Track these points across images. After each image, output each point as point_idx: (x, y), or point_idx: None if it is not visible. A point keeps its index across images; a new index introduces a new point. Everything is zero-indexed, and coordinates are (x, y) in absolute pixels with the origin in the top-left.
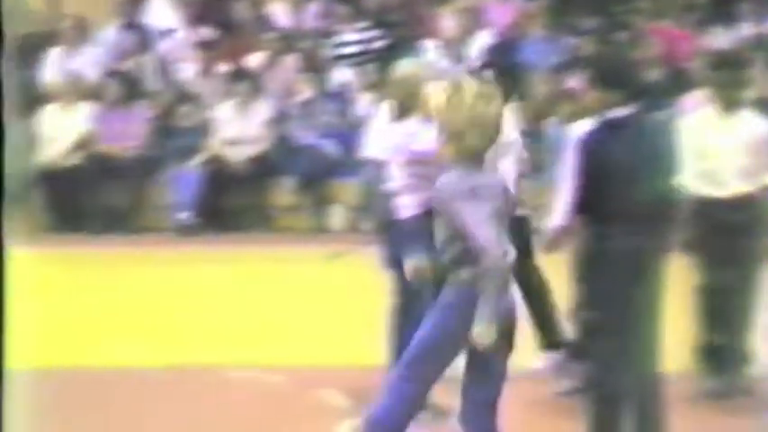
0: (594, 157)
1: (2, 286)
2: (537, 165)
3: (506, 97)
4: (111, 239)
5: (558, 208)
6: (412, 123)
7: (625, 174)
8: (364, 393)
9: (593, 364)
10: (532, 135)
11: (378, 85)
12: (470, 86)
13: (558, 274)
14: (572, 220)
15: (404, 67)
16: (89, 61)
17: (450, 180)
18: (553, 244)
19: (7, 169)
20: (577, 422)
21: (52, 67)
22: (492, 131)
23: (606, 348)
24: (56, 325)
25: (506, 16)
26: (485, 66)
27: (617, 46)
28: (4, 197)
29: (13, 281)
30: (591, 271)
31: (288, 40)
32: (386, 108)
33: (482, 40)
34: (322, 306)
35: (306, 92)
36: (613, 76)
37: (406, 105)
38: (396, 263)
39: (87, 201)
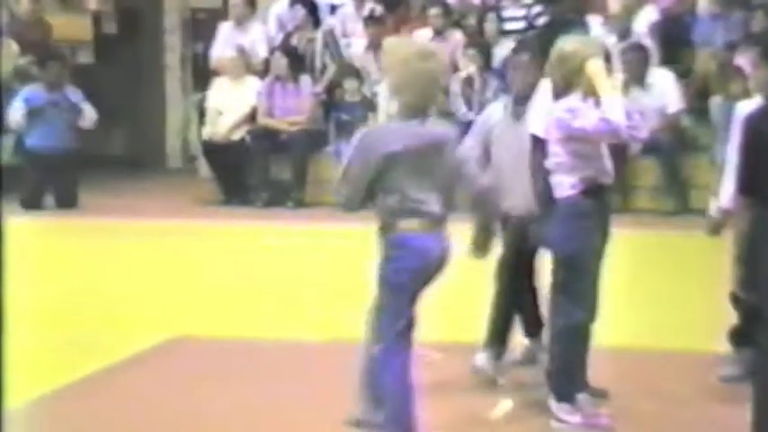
0: (760, 136)
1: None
2: (701, 143)
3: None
4: (277, 213)
5: (725, 189)
6: (573, 100)
7: None
8: (522, 373)
9: (758, 352)
10: (698, 112)
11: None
12: (408, 45)
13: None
14: (738, 200)
15: (566, 43)
16: (258, 36)
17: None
18: (718, 226)
19: (175, 142)
20: (743, 409)
21: (222, 42)
22: (429, 89)
23: None
24: (219, 296)
25: None
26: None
27: None
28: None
29: (180, 250)
30: (754, 254)
31: (454, 16)
32: (548, 84)
33: (647, 16)
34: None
35: (470, 67)
36: None
37: (569, 82)
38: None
39: (253, 174)
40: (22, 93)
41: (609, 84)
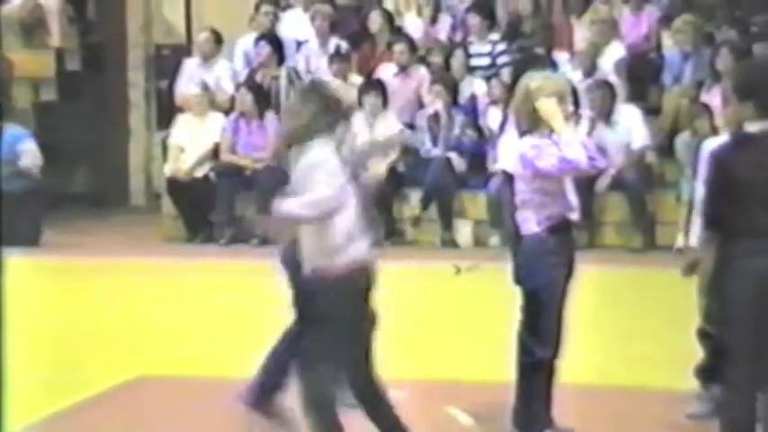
0: (726, 171)
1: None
2: (668, 180)
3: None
4: (241, 250)
5: (696, 227)
6: (538, 138)
7: (756, 190)
8: (489, 411)
9: (725, 387)
10: (665, 149)
11: (508, 98)
12: None
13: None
14: (704, 235)
15: (531, 80)
16: (224, 73)
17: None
18: (693, 265)
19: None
20: None
21: (187, 78)
22: None
23: (736, 371)
24: (182, 334)
25: (640, 28)
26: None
27: (756, 58)
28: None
29: (144, 288)
30: (719, 288)
31: (419, 52)
32: (514, 121)
33: (614, 53)
34: (448, 321)
35: (436, 104)
36: (751, 87)
37: (533, 119)
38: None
39: (218, 211)
40: None
41: (560, 121)
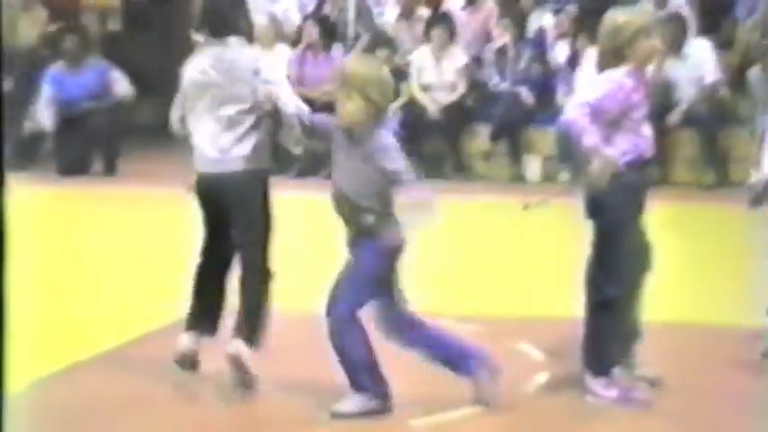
0: None
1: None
2: (741, 115)
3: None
4: (311, 182)
5: (767, 160)
6: (618, 73)
7: None
8: (559, 346)
9: None
10: (738, 84)
11: (576, 32)
12: None
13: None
14: None
15: (617, 14)
16: (291, 4)
17: None
18: (760, 198)
19: None
20: None
21: (254, 10)
22: None
23: None
24: None
25: None
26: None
27: None
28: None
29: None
30: None
31: None
32: (593, 55)
33: None
34: (517, 257)
35: (504, 37)
36: None
37: (616, 55)
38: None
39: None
40: (47, 79)
41: None
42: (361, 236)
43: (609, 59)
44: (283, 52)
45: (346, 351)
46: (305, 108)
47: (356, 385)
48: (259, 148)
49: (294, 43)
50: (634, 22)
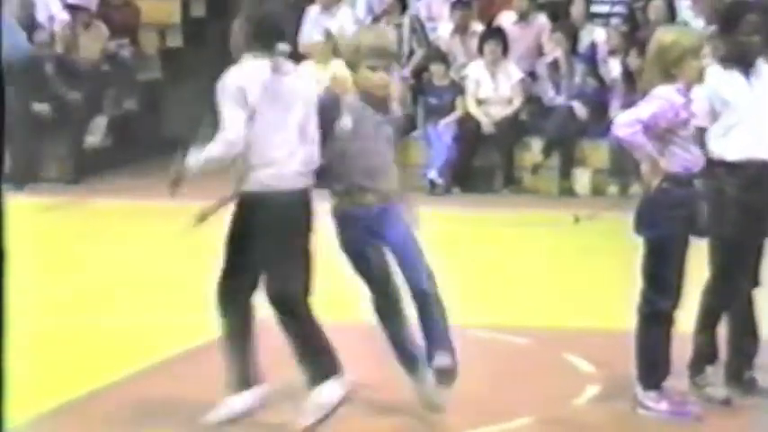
0: None
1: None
2: None
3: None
4: None
5: None
6: (668, 90)
7: None
8: (609, 358)
9: None
10: None
11: (627, 48)
12: None
13: None
14: None
15: (666, 33)
16: (346, 20)
17: None
18: None
19: None
20: None
21: (310, 26)
22: None
23: None
24: None
25: None
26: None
27: None
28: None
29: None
30: None
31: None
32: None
33: None
34: (566, 269)
35: (556, 51)
36: None
37: (665, 73)
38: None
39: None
40: None
41: None
42: (388, 201)
43: (657, 77)
44: (339, 68)
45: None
46: None
47: (442, 341)
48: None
49: None
50: (682, 43)
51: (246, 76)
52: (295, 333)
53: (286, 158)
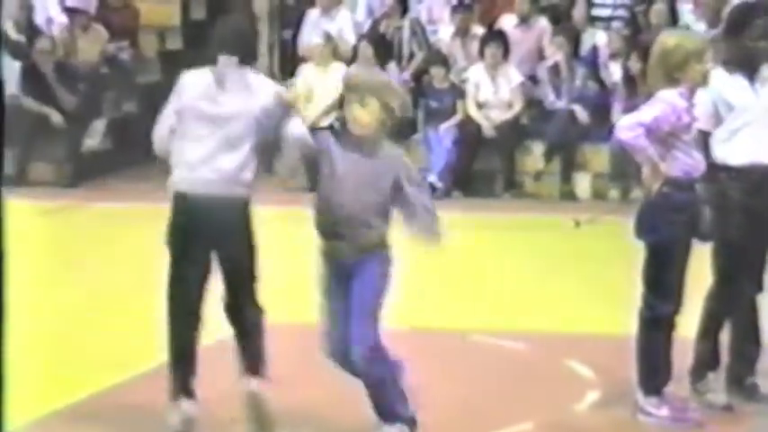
0: None
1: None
2: None
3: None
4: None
5: None
6: (671, 94)
7: None
8: (609, 364)
9: None
10: None
11: (628, 52)
12: None
13: None
14: None
15: (669, 37)
16: (346, 23)
17: None
18: None
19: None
20: None
21: (310, 29)
22: None
23: None
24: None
25: None
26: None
27: None
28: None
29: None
30: None
31: (541, 2)
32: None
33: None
34: (567, 274)
35: (557, 55)
36: None
37: (668, 77)
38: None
39: None
40: None
41: None
42: (363, 253)
43: (660, 80)
44: (338, 71)
45: (385, 382)
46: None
47: (392, 416)
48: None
49: (349, 62)
50: (686, 46)
51: (189, 79)
52: None
53: (198, 164)
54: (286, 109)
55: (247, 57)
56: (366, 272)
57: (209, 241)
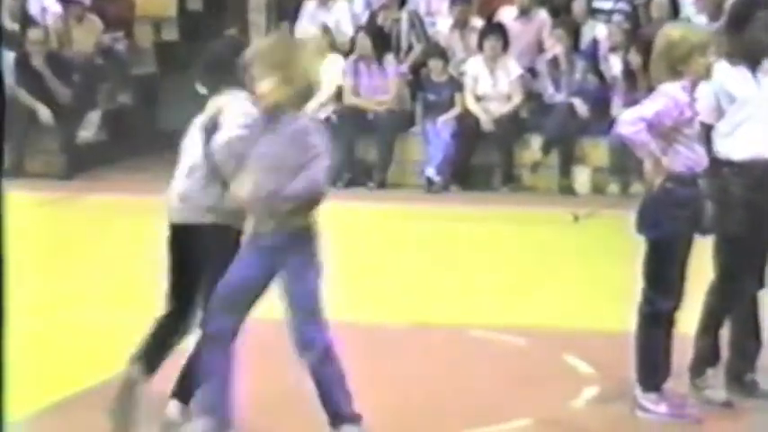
0: None
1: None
2: None
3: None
4: (359, 193)
5: None
6: (674, 88)
7: None
8: (608, 360)
9: None
10: None
11: (628, 45)
12: None
13: None
14: None
15: (674, 29)
16: (343, 15)
17: None
18: None
19: None
20: None
21: (307, 20)
22: None
23: None
24: None
25: None
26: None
27: None
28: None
29: None
30: None
31: None
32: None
33: None
34: (565, 268)
35: (556, 48)
36: None
37: (671, 70)
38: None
39: (337, 153)
40: None
41: None
42: (294, 236)
43: (663, 73)
44: (336, 62)
45: (337, 381)
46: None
47: (344, 418)
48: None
49: (347, 54)
50: (690, 39)
51: None
52: None
53: (171, 192)
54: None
55: (223, 84)
56: (301, 261)
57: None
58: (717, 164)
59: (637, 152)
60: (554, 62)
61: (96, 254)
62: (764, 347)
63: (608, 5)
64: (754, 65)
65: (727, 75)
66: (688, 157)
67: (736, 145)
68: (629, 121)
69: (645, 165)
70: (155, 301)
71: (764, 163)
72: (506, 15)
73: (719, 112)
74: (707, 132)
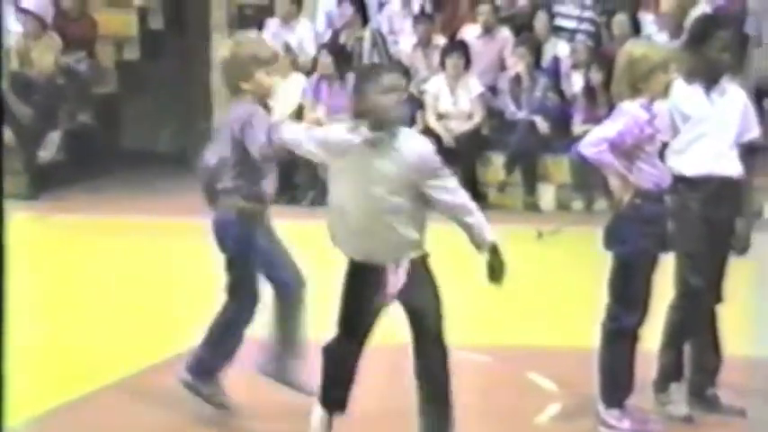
0: None
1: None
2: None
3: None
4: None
5: None
6: (633, 106)
7: None
8: (571, 377)
9: None
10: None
11: (591, 63)
12: None
13: None
14: None
15: (635, 46)
16: (306, 34)
17: None
18: None
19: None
20: None
21: (270, 38)
22: None
23: None
24: None
25: None
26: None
27: None
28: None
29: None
30: None
31: (502, 13)
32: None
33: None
34: (530, 286)
35: (518, 66)
36: None
37: (632, 87)
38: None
39: (301, 173)
40: None
41: None
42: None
43: (624, 91)
44: (298, 81)
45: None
46: None
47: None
48: None
49: (309, 73)
50: (651, 57)
51: None
52: None
53: None
54: None
55: None
56: None
57: None
58: (673, 180)
59: (602, 171)
60: (516, 80)
61: (65, 272)
62: (725, 362)
63: (572, 25)
64: (711, 84)
65: (682, 93)
66: (651, 174)
67: (688, 161)
68: (592, 142)
69: (610, 182)
70: (119, 320)
71: (717, 179)
72: (469, 33)
73: (674, 130)
74: (661, 150)
